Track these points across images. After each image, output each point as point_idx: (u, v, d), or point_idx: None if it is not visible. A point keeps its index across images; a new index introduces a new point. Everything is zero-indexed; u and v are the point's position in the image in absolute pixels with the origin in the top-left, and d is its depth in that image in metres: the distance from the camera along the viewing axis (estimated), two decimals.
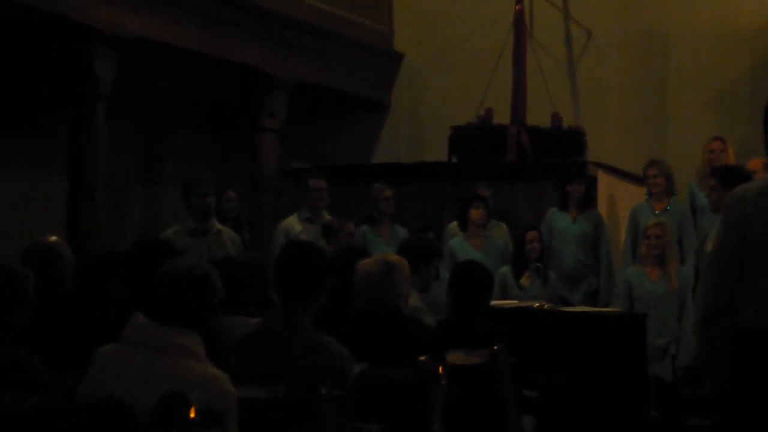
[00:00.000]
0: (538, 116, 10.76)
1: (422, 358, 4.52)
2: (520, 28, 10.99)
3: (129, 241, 8.82)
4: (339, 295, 5.17)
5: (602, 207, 9.38)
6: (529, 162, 10.34)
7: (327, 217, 8.41)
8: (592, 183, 9.34)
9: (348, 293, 5.26)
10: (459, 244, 8.54)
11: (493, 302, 6.49)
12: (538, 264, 8.27)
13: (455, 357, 5.11)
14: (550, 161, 10.17)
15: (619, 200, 9.71)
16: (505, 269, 8.27)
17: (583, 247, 8.83)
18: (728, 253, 3.96)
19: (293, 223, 8.38)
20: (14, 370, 3.68)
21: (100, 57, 8.76)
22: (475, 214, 8.54)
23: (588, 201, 8.98)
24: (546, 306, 7.29)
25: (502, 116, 10.79)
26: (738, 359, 3.90)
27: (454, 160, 10.78)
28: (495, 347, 5.27)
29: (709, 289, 4.04)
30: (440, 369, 4.54)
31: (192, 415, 3.19)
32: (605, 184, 9.69)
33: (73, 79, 8.84)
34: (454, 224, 8.99)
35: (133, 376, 3.51)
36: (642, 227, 8.53)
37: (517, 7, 11.02)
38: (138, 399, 3.38)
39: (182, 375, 3.49)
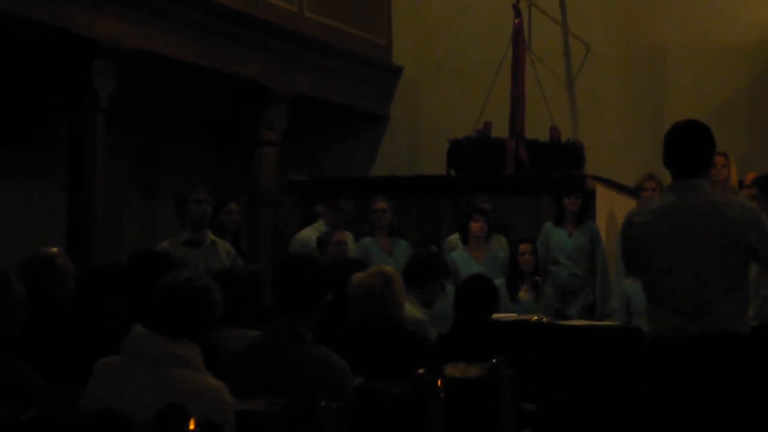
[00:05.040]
0: (536, 130, 10.77)
1: (421, 371, 4.51)
2: (519, 41, 11.01)
3: (126, 253, 8.83)
4: (335, 308, 5.17)
5: (601, 220, 9.38)
6: (527, 175, 10.34)
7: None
8: (590, 197, 9.35)
9: (344, 306, 5.26)
10: (460, 256, 8.55)
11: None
12: (537, 277, 8.28)
13: (454, 370, 5.11)
14: (548, 175, 10.17)
15: (617, 214, 9.70)
16: (500, 282, 8.27)
17: (579, 260, 8.83)
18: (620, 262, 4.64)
19: (312, 236, 8.36)
20: (13, 381, 3.67)
21: (99, 69, 8.77)
22: (475, 227, 8.56)
23: (584, 215, 8.98)
24: (545, 319, 7.30)
25: (500, 130, 10.80)
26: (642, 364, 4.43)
27: (452, 173, 10.79)
28: (494, 360, 5.27)
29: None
30: (439, 382, 4.53)
31: (192, 427, 3.18)
32: (603, 197, 9.70)
33: (72, 92, 8.85)
34: (453, 237, 9.00)
35: (133, 389, 3.50)
36: None
37: (515, 21, 11.04)
38: (138, 411, 3.37)
39: (180, 386, 3.49)
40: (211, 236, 7.36)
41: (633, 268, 4.54)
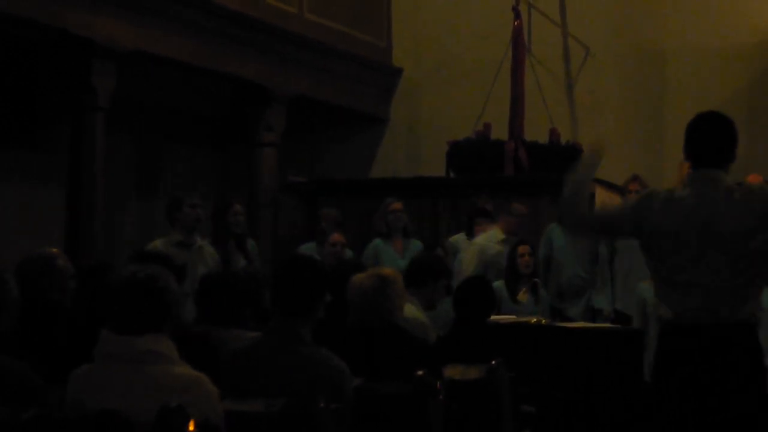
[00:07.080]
0: (535, 132, 10.78)
1: (420, 372, 4.51)
2: (519, 43, 11.02)
3: (125, 253, 8.84)
4: (334, 309, 5.17)
5: None
6: (526, 177, 10.35)
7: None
8: (590, 199, 9.34)
9: (343, 307, 5.25)
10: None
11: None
12: (536, 279, 8.26)
13: (453, 371, 5.11)
14: (547, 176, 10.17)
15: None
16: (500, 284, 8.27)
17: (582, 262, 8.84)
18: (612, 215, 4.75)
19: (487, 242, 8.43)
20: (12, 381, 3.67)
21: (99, 70, 8.78)
22: (478, 231, 8.62)
23: None
24: (544, 321, 7.30)
25: (499, 131, 10.81)
26: (658, 349, 4.30)
27: (451, 174, 10.79)
28: (493, 362, 5.27)
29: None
30: (438, 384, 4.53)
31: (191, 427, 3.18)
32: (602, 199, 9.69)
33: (72, 92, 8.86)
34: (454, 238, 9.02)
35: (115, 392, 3.47)
36: (619, 242, 8.58)
37: (515, 23, 11.05)
38: (129, 413, 3.36)
39: (164, 382, 3.46)
40: (199, 241, 7.45)
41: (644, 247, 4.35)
